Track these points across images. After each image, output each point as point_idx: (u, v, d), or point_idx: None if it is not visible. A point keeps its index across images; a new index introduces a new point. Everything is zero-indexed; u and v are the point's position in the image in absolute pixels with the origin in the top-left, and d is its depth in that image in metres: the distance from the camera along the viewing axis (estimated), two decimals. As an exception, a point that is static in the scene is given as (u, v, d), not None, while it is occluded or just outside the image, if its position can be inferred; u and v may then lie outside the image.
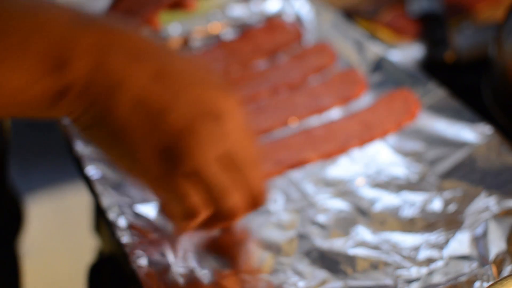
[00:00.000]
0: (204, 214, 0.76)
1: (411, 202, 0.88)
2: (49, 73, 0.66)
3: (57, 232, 1.48)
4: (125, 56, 0.68)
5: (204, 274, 0.81)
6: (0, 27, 0.67)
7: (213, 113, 0.70)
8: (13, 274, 1.22)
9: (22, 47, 0.66)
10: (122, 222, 0.86)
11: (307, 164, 0.95)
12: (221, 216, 0.77)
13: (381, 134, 0.97)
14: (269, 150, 0.96)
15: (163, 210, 0.79)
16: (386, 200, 0.89)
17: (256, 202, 0.78)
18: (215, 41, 1.17)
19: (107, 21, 0.70)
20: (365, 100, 1.04)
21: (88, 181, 0.93)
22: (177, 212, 0.76)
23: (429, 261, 0.81)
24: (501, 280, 0.66)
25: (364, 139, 0.96)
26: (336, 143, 0.96)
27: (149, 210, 0.89)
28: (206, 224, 0.78)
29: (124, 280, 0.92)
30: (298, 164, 0.94)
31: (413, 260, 0.81)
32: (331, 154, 0.95)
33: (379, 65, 1.07)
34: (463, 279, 0.77)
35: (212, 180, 0.73)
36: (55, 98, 0.67)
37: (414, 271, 0.80)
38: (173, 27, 1.17)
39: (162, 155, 0.70)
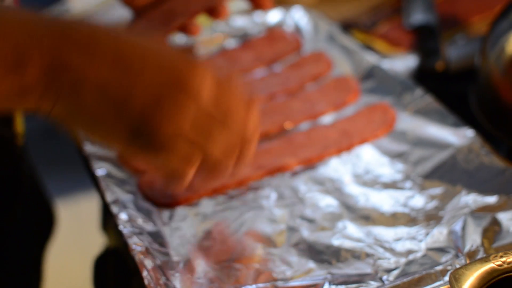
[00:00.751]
0: (194, 161, 0.80)
1: (395, 199, 0.94)
2: (10, 73, 0.71)
3: (71, 233, 1.54)
4: (82, 51, 0.72)
5: (198, 263, 0.87)
6: None
7: (172, 82, 0.75)
8: (37, 275, 1.28)
9: None
10: (124, 215, 0.92)
11: (286, 170, 1.00)
12: (209, 171, 0.82)
13: (358, 142, 1.03)
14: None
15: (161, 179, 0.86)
16: (371, 197, 0.95)
17: (243, 150, 0.82)
18: (218, 50, 1.23)
19: (66, 22, 0.75)
20: (357, 106, 1.10)
21: (95, 179, 0.99)
22: (171, 169, 0.81)
23: (408, 252, 0.86)
24: (467, 264, 0.71)
25: (342, 147, 1.02)
26: (315, 150, 1.02)
27: (149, 206, 0.96)
28: (200, 184, 0.85)
29: (127, 271, 0.98)
30: (277, 170, 0.99)
31: (393, 252, 0.87)
32: (310, 160, 1.01)
33: (372, 73, 1.13)
34: (438, 268, 0.82)
35: (187, 144, 0.78)
36: (20, 94, 0.72)
37: (393, 261, 0.85)
38: (178, 37, 1.23)
39: (135, 134, 0.75)
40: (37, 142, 2.37)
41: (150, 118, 0.75)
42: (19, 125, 1.07)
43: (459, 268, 0.70)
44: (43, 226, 1.31)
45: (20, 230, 1.19)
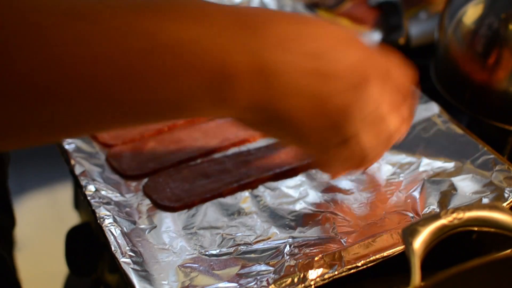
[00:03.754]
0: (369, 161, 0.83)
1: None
2: (216, 85, 0.67)
3: (47, 222, 1.57)
4: (284, 47, 0.68)
5: (164, 231, 0.90)
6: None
7: (360, 83, 0.74)
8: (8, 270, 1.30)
9: (186, 67, 0.66)
10: (92, 187, 0.94)
11: (251, 142, 1.02)
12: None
13: None
14: (216, 128, 1.04)
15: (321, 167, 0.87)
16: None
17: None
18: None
19: (259, 13, 0.71)
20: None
21: (65, 154, 1.01)
22: (335, 168, 0.84)
23: (368, 216, 0.89)
24: (419, 221, 0.74)
25: None
26: None
27: (117, 178, 0.98)
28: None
29: (98, 245, 1.01)
30: (243, 142, 1.02)
31: (353, 216, 0.89)
32: None
33: (335, 48, 1.15)
34: (396, 229, 0.85)
35: (362, 142, 0.79)
36: (224, 105, 0.69)
37: (352, 225, 0.88)
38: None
39: (328, 132, 0.75)
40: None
41: (345, 115, 0.74)
42: None
43: (411, 224, 0.73)
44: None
45: None
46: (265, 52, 0.68)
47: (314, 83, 0.71)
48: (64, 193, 1.98)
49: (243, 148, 1.01)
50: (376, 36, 1.26)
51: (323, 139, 0.76)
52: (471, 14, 1.05)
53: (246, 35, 0.68)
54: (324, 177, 0.95)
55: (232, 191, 0.93)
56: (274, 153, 0.98)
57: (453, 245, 0.87)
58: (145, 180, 0.97)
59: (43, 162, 2.43)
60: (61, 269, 1.13)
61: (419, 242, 0.72)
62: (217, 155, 1.00)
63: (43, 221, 1.38)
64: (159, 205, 0.92)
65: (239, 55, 0.67)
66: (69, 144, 1.01)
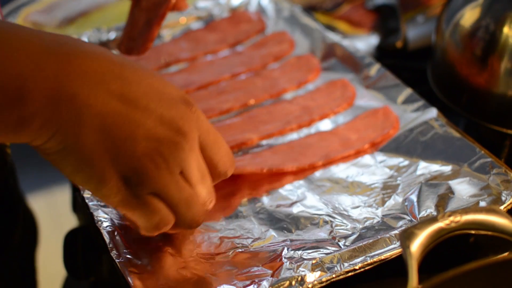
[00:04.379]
0: (170, 225, 0.80)
1: (353, 170, 0.97)
2: (8, 106, 0.66)
3: (45, 225, 1.57)
4: (89, 80, 0.68)
5: (162, 233, 0.90)
6: None
7: (173, 136, 0.73)
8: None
9: None
10: (88, 192, 0.94)
11: (248, 145, 1.02)
12: (182, 224, 0.81)
13: (319, 118, 1.05)
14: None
15: (130, 224, 0.84)
16: (330, 168, 0.98)
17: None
18: (183, 32, 1.26)
19: (76, 45, 0.71)
20: (318, 83, 1.13)
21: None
22: (144, 226, 0.80)
23: (365, 219, 0.90)
24: (417, 224, 0.74)
25: (302, 123, 1.05)
26: (276, 125, 1.04)
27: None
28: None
29: (97, 248, 1.01)
30: (239, 145, 1.02)
31: (350, 219, 0.90)
32: (271, 135, 1.03)
33: (332, 51, 1.16)
34: (393, 233, 0.85)
35: (174, 196, 0.77)
36: (16, 127, 0.68)
37: (350, 228, 0.88)
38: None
39: (126, 180, 0.72)
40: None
41: (147, 165, 0.72)
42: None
43: (408, 228, 0.73)
44: (27, 230, 1.33)
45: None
46: (67, 81, 0.68)
47: (120, 110, 0.70)
48: (62, 197, 1.99)
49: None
50: (373, 40, 1.27)
51: (119, 185, 0.73)
52: (468, 17, 1.05)
53: (52, 61, 0.68)
54: (320, 176, 0.95)
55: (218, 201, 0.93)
56: (261, 160, 0.98)
57: (451, 248, 0.87)
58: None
59: (41, 165, 2.43)
60: (59, 272, 1.13)
61: (416, 245, 0.73)
62: None
63: (41, 224, 1.38)
64: None
65: (39, 79, 0.67)
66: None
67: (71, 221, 1.26)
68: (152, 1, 1.00)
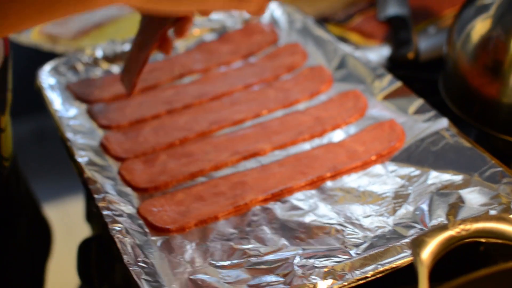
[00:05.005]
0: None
1: (365, 180, 0.98)
2: None
3: (58, 235, 1.59)
4: None
5: (175, 243, 0.91)
6: None
7: None
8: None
9: None
10: (104, 200, 0.96)
11: (261, 155, 1.03)
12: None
13: (331, 128, 1.06)
14: (227, 142, 1.05)
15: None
16: (345, 181, 0.98)
17: None
18: (196, 43, 1.27)
19: None
20: (331, 94, 1.14)
21: (78, 168, 1.03)
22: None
23: (377, 228, 0.90)
24: (427, 232, 0.75)
25: (314, 133, 1.06)
26: (288, 136, 1.05)
27: (129, 190, 1.00)
28: None
29: (111, 257, 1.02)
30: (252, 155, 1.03)
31: (362, 227, 0.91)
32: (283, 146, 1.04)
33: (345, 62, 1.17)
34: (404, 241, 0.86)
35: None
36: None
37: (361, 236, 0.89)
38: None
39: None
40: (24, 148, 2.42)
41: None
42: (6, 148, 1.09)
43: (419, 236, 0.74)
44: (41, 239, 1.34)
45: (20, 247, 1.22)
46: None
47: None
48: (75, 207, 2.00)
49: (240, 166, 1.02)
50: (385, 51, 1.28)
51: None
52: (479, 28, 1.06)
53: None
54: (332, 186, 0.96)
55: (228, 214, 0.94)
56: (269, 173, 0.99)
57: (461, 257, 0.88)
58: (158, 193, 0.99)
59: (54, 175, 2.45)
60: (73, 281, 1.14)
61: (427, 253, 0.73)
62: (210, 177, 1.01)
63: (55, 233, 1.39)
64: (155, 227, 0.93)
65: None
66: (82, 157, 1.02)
67: (84, 231, 1.28)
68: (142, 39, 1.02)
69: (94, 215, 1.15)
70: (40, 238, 1.34)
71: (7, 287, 1.17)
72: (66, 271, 1.45)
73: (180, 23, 0.97)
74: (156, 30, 0.99)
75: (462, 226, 0.75)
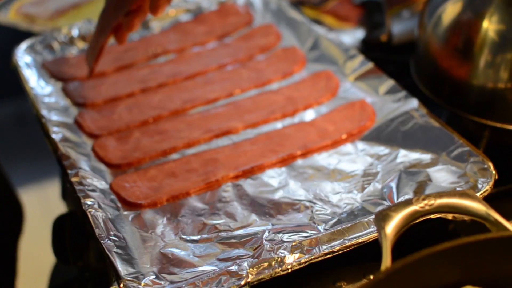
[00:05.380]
0: None
1: (334, 158, 0.99)
2: None
3: (34, 213, 1.60)
4: None
5: (147, 217, 0.92)
6: None
7: None
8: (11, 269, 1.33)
9: None
10: (78, 175, 0.97)
11: (233, 133, 1.05)
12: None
13: (302, 108, 1.08)
14: (200, 120, 1.06)
15: None
16: (316, 159, 1.00)
17: None
18: (171, 24, 1.28)
19: None
20: (303, 74, 1.15)
21: (51, 142, 1.04)
22: None
23: (345, 204, 0.92)
24: (392, 206, 0.77)
25: (286, 112, 1.07)
26: (260, 114, 1.07)
27: (102, 166, 1.01)
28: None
29: (85, 234, 1.03)
30: (225, 133, 1.04)
31: (330, 204, 0.92)
32: (255, 124, 1.06)
33: (318, 43, 1.18)
34: (371, 217, 0.88)
35: None
36: None
37: (330, 212, 0.91)
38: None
39: None
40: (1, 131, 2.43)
41: None
42: None
43: (383, 210, 0.75)
44: (12, 218, 1.35)
45: None
46: None
47: None
48: (52, 189, 2.01)
49: (213, 144, 1.03)
50: (359, 34, 1.29)
51: None
52: (450, 12, 1.07)
53: None
54: (302, 164, 0.98)
55: (199, 190, 0.96)
56: (241, 151, 1.00)
57: (430, 236, 0.90)
58: (131, 169, 1.00)
59: (31, 157, 2.45)
60: (49, 260, 1.15)
61: (391, 227, 0.75)
62: (183, 154, 1.02)
63: (30, 212, 1.40)
64: (127, 202, 0.95)
65: None
66: (57, 134, 1.03)
67: (60, 210, 1.28)
68: (102, 24, 1.04)
69: (68, 191, 1.15)
70: (12, 218, 1.34)
71: None
72: (42, 251, 1.46)
73: (131, 15, 0.99)
74: (113, 18, 1.00)
75: (426, 201, 0.76)
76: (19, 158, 2.45)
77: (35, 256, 1.54)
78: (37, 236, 1.56)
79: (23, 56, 1.21)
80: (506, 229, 0.74)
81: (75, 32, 1.26)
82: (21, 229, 1.35)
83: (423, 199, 0.77)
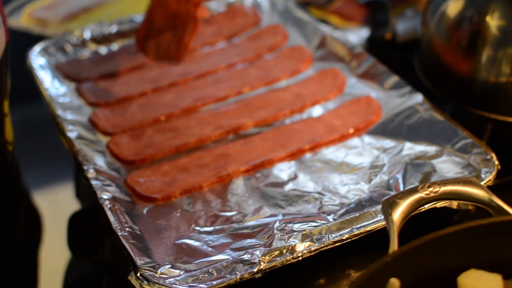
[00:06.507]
0: None
1: (342, 152, 1.02)
2: None
3: (48, 214, 1.62)
4: None
5: (161, 211, 0.95)
6: None
7: None
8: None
9: None
10: (93, 171, 1.00)
11: (243, 130, 1.08)
12: None
13: (310, 105, 1.11)
14: (211, 117, 1.10)
15: None
16: (324, 153, 1.03)
17: None
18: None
19: None
20: (310, 72, 1.18)
21: (67, 140, 1.07)
22: None
23: (353, 195, 0.95)
24: (398, 194, 0.79)
25: (294, 109, 1.10)
26: (269, 111, 1.10)
27: (117, 163, 1.04)
28: None
29: (100, 231, 1.06)
30: (235, 130, 1.08)
31: (339, 195, 0.95)
32: (265, 121, 1.09)
33: (324, 42, 1.21)
34: (378, 207, 0.91)
35: None
36: None
37: (338, 203, 0.94)
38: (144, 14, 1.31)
39: None
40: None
41: None
42: (9, 132, 1.13)
43: (390, 197, 0.78)
44: (32, 227, 1.37)
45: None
46: None
47: None
48: (64, 190, 2.04)
49: (223, 140, 1.07)
50: (364, 33, 1.32)
51: None
52: (452, 8, 1.10)
53: None
54: (311, 157, 1.01)
55: (211, 184, 0.99)
56: (251, 146, 1.03)
57: (436, 227, 0.92)
58: (145, 165, 1.03)
59: (44, 161, 2.48)
60: (63, 253, 1.18)
61: (398, 214, 0.78)
62: (195, 152, 1.05)
63: (45, 215, 1.43)
64: (142, 196, 0.98)
65: None
66: (72, 132, 1.06)
67: (73, 208, 1.31)
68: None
69: (83, 188, 1.18)
70: (32, 227, 1.37)
71: (2, 278, 1.20)
72: (56, 249, 1.48)
73: None
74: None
75: (431, 189, 0.79)
76: (28, 162, 2.48)
77: (49, 254, 1.57)
78: (50, 235, 1.58)
79: (37, 59, 1.25)
80: (508, 214, 0.77)
81: (87, 35, 1.29)
82: (41, 239, 1.38)
83: (428, 187, 0.80)
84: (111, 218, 0.91)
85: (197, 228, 0.92)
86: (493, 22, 1.04)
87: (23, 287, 1.33)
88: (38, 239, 1.38)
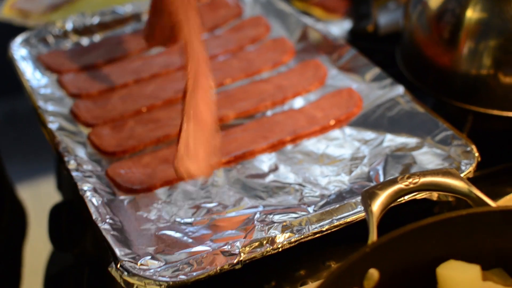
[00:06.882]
0: None
1: (323, 144, 1.02)
2: None
3: (30, 205, 1.62)
4: None
5: (142, 202, 0.95)
6: None
7: None
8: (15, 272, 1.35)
9: None
10: (74, 162, 0.99)
11: (224, 122, 1.08)
12: None
13: (291, 96, 1.11)
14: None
15: None
16: (305, 145, 1.03)
17: None
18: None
19: None
20: (292, 64, 1.18)
21: (48, 131, 1.06)
22: None
23: (333, 187, 0.95)
24: (377, 185, 0.80)
25: (276, 101, 1.10)
26: (251, 103, 1.10)
27: (98, 154, 1.04)
28: None
29: (80, 220, 1.06)
30: (217, 121, 1.07)
31: (319, 186, 0.95)
32: (247, 113, 1.09)
33: (306, 34, 1.21)
34: (358, 198, 0.91)
35: None
36: None
37: (319, 194, 0.94)
38: (126, 7, 1.31)
39: None
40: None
41: None
42: None
43: (370, 188, 0.79)
44: (17, 222, 1.37)
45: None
46: None
47: None
48: (46, 182, 2.03)
49: None
50: (347, 25, 1.32)
51: None
52: (434, 1, 1.10)
53: None
54: (292, 149, 1.01)
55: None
56: (232, 138, 1.03)
57: (416, 219, 0.92)
58: (126, 157, 1.03)
59: (28, 153, 2.48)
60: (46, 245, 1.18)
61: (377, 205, 0.78)
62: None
63: (28, 205, 1.43)
64: (123, 188, 0.98)
65: None
66: (53, 123, 1.06)
67: (55, 200, 1.31)
68: None
69: (65, 179, 1.18)
70: (16, 219, 1.37)
71: None
72: (38, 241, 1.48)
73: None
74: None
75: (410, 180, 0.80)
76: (11, 154, 2.48)
77: (32, 246, 1.56)
78: (33, 227, 1.58)
79: (18, 50, 1.24)
80: (487, 205, 0.77)
81: (69, 26, 1.29)
82: (25, 234, 1.38)
83: (408, 178, 0.80)
84: (92, 210, 0.91)
85: (178, 219, 0.92)
86: (475, 14, 1.04)
87: (7, 279, 1.33)
88: (23, 232, 1.37)
